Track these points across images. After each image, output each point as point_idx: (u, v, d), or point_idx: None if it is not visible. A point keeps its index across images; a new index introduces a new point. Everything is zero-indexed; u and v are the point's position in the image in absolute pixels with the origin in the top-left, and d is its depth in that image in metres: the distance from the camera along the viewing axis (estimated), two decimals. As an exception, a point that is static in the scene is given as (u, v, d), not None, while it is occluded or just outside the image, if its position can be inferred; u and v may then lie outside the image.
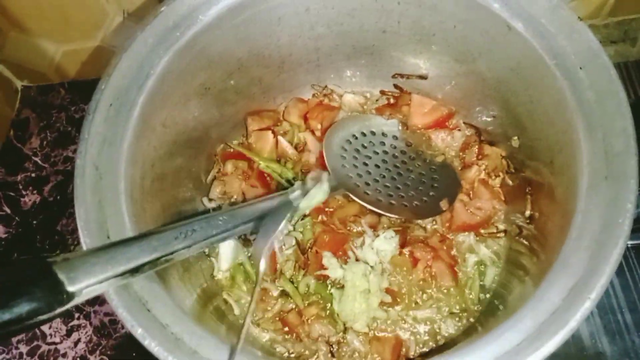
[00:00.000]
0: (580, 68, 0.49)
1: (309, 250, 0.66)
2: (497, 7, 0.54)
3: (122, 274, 0.38)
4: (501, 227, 0.65)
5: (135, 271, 0.39)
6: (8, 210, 0.94)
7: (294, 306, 0.64)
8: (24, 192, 0.96)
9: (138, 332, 0.39)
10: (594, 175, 0.45)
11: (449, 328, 0.61)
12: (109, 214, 0.46)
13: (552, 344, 0.38)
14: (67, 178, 0.96)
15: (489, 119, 0.67)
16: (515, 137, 0.62)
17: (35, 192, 0.96)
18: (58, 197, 0.95)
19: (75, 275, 0.35)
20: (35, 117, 1.03)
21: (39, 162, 0.99)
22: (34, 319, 0.33)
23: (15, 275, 0.34)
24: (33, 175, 0.97)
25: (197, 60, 0.59)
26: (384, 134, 0.70)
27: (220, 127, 0.71)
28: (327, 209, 0.69)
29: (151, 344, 0.39)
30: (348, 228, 0.67)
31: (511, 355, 0.38)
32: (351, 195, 0.63)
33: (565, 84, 0.50)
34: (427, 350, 0.61)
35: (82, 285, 0.36)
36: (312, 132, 0.74)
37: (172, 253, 0.42)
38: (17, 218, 0.94)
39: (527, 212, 0.59)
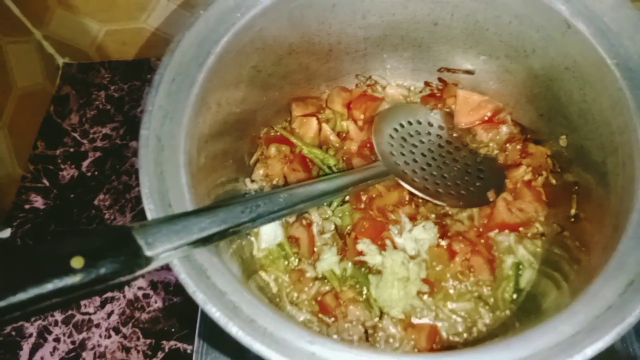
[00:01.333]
0: (643, 68, 0.49)
1: (348, 236, 0.67)
2: (557, 3, 0.54)
3: (195, 242, 0.40)
4: (541, 229, 0.65)
5: (206, 240, 0.41)
6: (47, 183, 0.96)
7: (330, 289, 0.65)
8: (62, 166, 0.98)
9: (200, 298, 0.40)
10: (653, 175, 0.45)
11: (485, 320, 0.62)
12: (170, 185, 0.47)
13: (609, 339, 0.38)
14: (104, 155, 0.98)
15: (536, 117, 0.67)
16: (564, 136, 0.62)
17: (73, 166, 0.98)
18: (96, 173, 0.97)
19: (153, 241, 0.38)
20: (75, 94, 1.05)
21: (78, 137, 1.01)
22: (116, 279, 0.35)
23: (100, 239, 0.36)
24: (72, 150, 0.99)
25: (253, 42, 0.60)
26: (430, 124, 0.71)
27: (266, 110, 0.72)
28: (365, 198, 0.69)
29: (212, 309, 0.40)
30: (387, 217, 0.68)
31: (565, 347, 0.38)
32: (400, 181, 0.64)
33: (625, 84, 0.49)
34: (461, 340, 0.62)
35: (159, 251, 0.38)
36: (355, 121, 0.75)
37: (238, 225, 0.44)
38: (55, 190, 0.96)
39: (573, 211, 0.59)
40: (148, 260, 0.38)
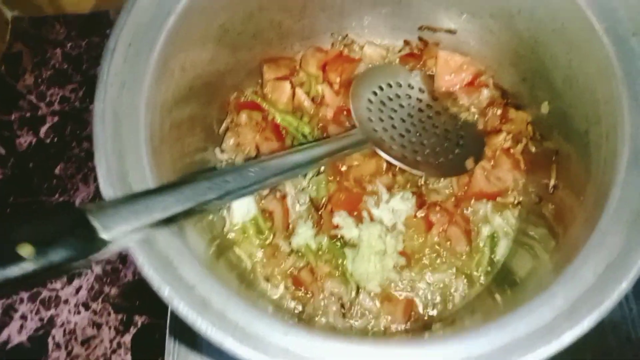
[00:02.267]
0: (633, 35, 0.46)
1: (323, 208, 0.65)
2: (546, -39, 0.50)
3: (157, 223, 0.37)
4: (518, 198, 0.64)
5: (169, 221, 0.38)
6: (3, 151, 0.90)
7: (305, 264, 0.63)
8: (18, 133, 0.92)
9: (166, 293, 0.38)
10: (637, 149, 0.44)
11: (462, 292, 0.61)
12: (130, 165, 0.43)
13: (586, 324, 0.37)
14: (64, 119, 0.92)
15: (518, 81, 0.64)
16: (546, 102, 0.60)
17: (30, 132, 0.92)
18: (55, 140, 0.91)
19: (110, 223, 0.35)
20: (28, 52, 0.97)
21: (34, 101, 0.94)
22: (69, 265, 0.32)
23: (51, 223, 0.33)
24: (28, 115, 0.93)
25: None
26: (410, 86, 0.67)
27: (235, 73, 0.67)
28: (342, 168, 0.67)
29: (180, 306, 0.37)
30: (363, 187, 0.66)
31: (544, 332, 0.37)
32: (378, 151, 0.61)
33: (613, 51, 0.47)
34: (437, 313, 0.61)
35: (117, 234, 0.35)
36: (330, 84, 0.71)
37: (205, 203, 0.41)
38: (12, 159, 0.90)
39: (552, 182, 0.58)
40: (104, 244, 0.35)
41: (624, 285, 0.38)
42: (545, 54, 0.57)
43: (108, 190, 0.42)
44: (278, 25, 0.66)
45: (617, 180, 0.43)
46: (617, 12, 0.47)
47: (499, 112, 0.66)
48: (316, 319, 0.60)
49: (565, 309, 0.38)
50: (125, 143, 0.44)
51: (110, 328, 0.81)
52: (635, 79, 0.46)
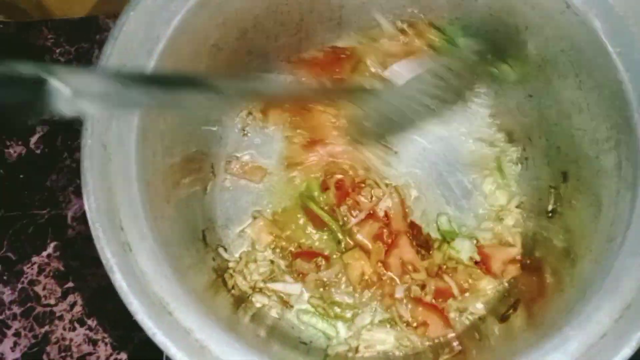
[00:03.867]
0: (650, 61, 0.44)
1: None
2: (557, -21, 0.48)
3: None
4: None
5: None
6: (-9, 163, 0.87)
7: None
8: (7, 143, 0.89)
9: (160, 340, 0.36)
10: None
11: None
12: (121, 202, 0.41)
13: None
14: (54, 129, 0.89)
15: (524, 97, 0.62)
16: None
17: (20, 142, 0.89)
18: (46, 150, 0.88)
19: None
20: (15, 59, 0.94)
21: (23, 109, 0.91)
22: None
23: None
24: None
25: (213, 18, 0.52)
26: None
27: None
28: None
29: (175, 354, 0.36)
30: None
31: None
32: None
33: (628, 77, 0.45)
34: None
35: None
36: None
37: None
38: (1, 171, 0.87)
39: (550, 207, 0.56)
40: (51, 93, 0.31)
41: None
42: (553, 74, 0.55)
43: (98, 230, 0.40)
44: (274, 39, 0.63)
45: (634, 219, 0.41)
46: (633, 36, 0.45)
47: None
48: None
49: (580, 355, 0.37)
50: (115, 178, 0.42)
51: (106, 344, 0.79)
52: (652, 109, 0.44)
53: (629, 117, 0.44)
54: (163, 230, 0.43)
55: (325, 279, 0.59)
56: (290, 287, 0.58)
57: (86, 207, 0.40)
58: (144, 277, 0.38)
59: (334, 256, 0.61)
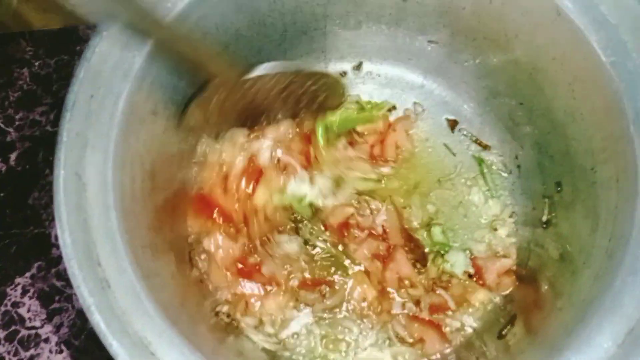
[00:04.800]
0: (645, 72, 0.43)
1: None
2: (547, -14, 0.46)
3: None
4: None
5: None
6: (-29, 181, 0.85)
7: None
8: (-14, 160, 0.86)
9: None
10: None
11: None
12: (97, 235, 0.39)
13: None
14: (34, 145, 0.86)
15: (515, 104, 0.60)
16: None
17: (0, 160, 0.86)
18: (27, 167, 0.86)
19: None
20: (-7, 72, 0.91)
21: (2, 126, 0.88)
22: None
23: None
24: (-4, 141, 0.87)
25: (192, 33, 0.50)
26: None
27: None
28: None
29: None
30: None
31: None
32: None
33: (622, 87, 0.43)
34: None
35: None
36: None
37: None
38: (-19, 189, 0.85)
39: (545, 217, 0.55)
40: None
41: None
42: (545, 82, 0.53)
43: (73, 267, 0.38)
44: (257, 51, 0.61)
45: (633, 234, 0.40)
46: (626, 44, 0.44)
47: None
48: None
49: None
50: (91, 210, 0.40)
51: (94, 367, 0.77)
52: (647, 119, 0.42)
53: (625, 128, 0.43)
54: (144, 261, 0.41)
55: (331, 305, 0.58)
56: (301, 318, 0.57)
57: (61, 243, 0.37)
58: (124, 316, 0.36)
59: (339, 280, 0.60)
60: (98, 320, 0.36)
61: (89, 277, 0.37)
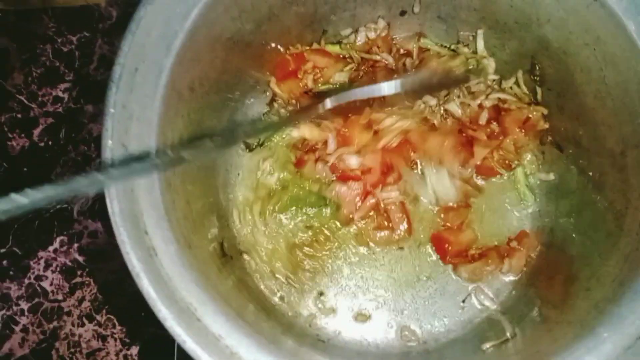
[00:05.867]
0: (682, 57, 0.43)
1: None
2: (585, -30, 0.46)
3: None
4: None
5: None
6: (-6, 156, 0.86)
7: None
8: (10, 135, 0.87)
9: (190, 348, 0.35)
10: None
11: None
12: (144, 205, 0.40)
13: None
14: (58, 121, 0.87)
15: (543, 90, 0.61)
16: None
17: (23, 135, 0.87)
18: (50, 143, 0.86)
19: None
20: (16, 49, 0.91)
21: (25, 101, 0.88)
22: None
23: None
24: (19, 116, 0.87)
25: (229, 10, 0.51)
26: None
27: (242, 85, 0.63)
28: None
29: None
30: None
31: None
32: None
33: (658, 72, 0.44)
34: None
35: None
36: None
37: None
38: (4, 164, 0.85)
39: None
40: None
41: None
42: (576, 66, 0.54)
43: (123, 235, 0.39)
44: (288, 31, 0.62)
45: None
46: (664, 31, 0.44)
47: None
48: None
49: (615, 358, 0.37)
50: (137, 182, 0.41)
51: (116, 340, 0.79)
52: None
53: (658, 114, 0.44)
54: (186, 232, 0.42)
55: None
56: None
57: (110, 212, 0.38)
58: (171, 283, 0.37)
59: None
60: (147, 286, 0.37)
61: (137, 244, 0.38)
